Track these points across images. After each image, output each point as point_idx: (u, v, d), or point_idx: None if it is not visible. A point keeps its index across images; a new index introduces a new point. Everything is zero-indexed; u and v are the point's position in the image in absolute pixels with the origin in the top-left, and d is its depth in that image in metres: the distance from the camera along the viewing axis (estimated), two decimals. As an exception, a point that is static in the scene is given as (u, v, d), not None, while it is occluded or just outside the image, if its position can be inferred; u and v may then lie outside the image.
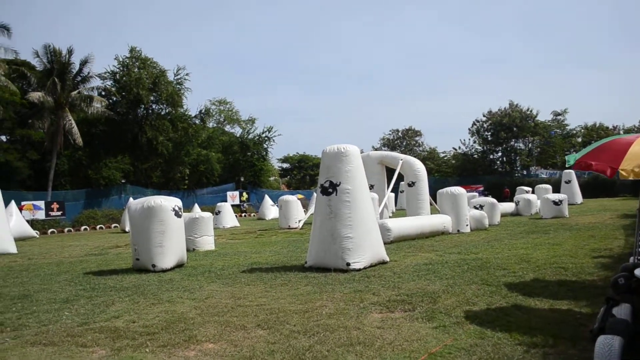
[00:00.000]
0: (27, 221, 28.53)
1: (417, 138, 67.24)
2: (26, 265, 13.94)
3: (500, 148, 55.76)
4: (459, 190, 17.65)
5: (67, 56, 38.04)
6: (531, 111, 54.14)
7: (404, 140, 66.62)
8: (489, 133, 55.38)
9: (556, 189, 31.72)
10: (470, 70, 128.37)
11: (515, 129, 53.20)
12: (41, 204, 33.54)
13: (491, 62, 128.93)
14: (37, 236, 28.09)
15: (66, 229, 33.10)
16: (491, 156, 56.86)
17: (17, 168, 36.99)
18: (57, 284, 10.19)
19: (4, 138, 40.30)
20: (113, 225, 35.12)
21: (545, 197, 22.80)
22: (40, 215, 32.95)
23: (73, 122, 37.14)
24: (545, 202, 22.39)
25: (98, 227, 34.92)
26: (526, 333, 5.21)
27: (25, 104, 36.49)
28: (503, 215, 22.56)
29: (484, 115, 56.12)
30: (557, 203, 21.96)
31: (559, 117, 58.59)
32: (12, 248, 18.31)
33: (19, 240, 22.08)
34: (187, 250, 12.64)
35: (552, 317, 5.86)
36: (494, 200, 20.74)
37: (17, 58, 37.90)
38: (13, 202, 26.50)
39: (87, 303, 7.95)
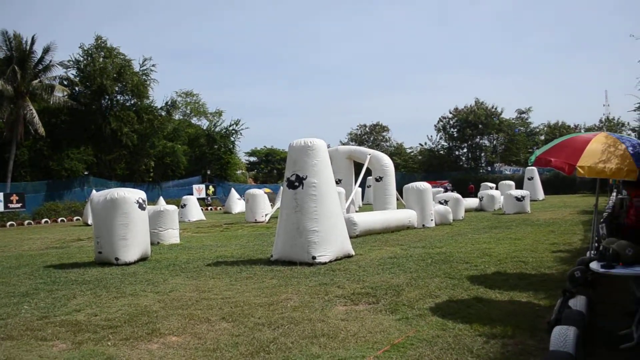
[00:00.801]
0: (-15, 213, 27.73)
1: (384, 133, 67.66)
2: (-17, 258, 13.56)
3: (465, 144, 56.57)
4: (424, 185, 17.88)
5: (29, 44, 36.99)
6: (496, 109, 55.12)
7: (372, 136, 66.94)
8: (455, 130, 56.13)
9: (519, 186, 32.39)
10: (437, 67, 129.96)
11: (480, 126, 54.06)
12: (0, 195, 32.58)
13: (458, 59, 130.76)
14: (-5, 229, 27.31)
15: (26, 222, 32.28)
16: (457, 152, 57.66)
17: (-26, 158, 35.84)
18: (16, 277, 9.95)
19: (-40, 127, 38.98)
20: (75, 218, 34.43)
21: (508, 193, 23.29)
22: (-1, 207, 32.03)
23: (34, 111, 36.15)
24: (508, 198, 22.87)
25: (59, 219, 34.15)
26: (486, 324, 5.33)
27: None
28: (467, 210, 22.95)
29: (450, 112, 56.89)
30: (519, 199, 22.45)
31: (523, 115, 59.80)
32: (-31, 241, 17.78)
33: (-24, 232, 21.45)
34: (152, 243, 12.51)
35: (512, 309, 6.01)
36: (459, 196, 21.08)
37: (-26, 45, 36.68)
38: (-30, 194, 25.71)
39: (47, 297, 7.79)
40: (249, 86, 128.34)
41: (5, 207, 32.44)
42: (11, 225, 30.81)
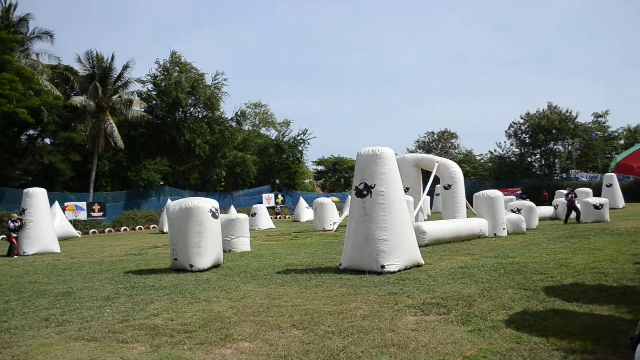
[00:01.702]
0: (70, 221, 29.47)
1: (453, 140, 66.42)
2: (69, 264, 14.40)
3: (538, 150, 54.58)
4: (495, 193, 17.41)
5: (109, 61, 39.15)
6: (570, 113, 52.87)
7: (440, 143, 65.88)
8: (527, 135, 54.30)
9: (597, 193, 30.95)
10: (507, 72, 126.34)
11: (554, 131, 51.99)
12: (83, 204, 34.54)
13: (529, 63, 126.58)
14: (79, 236, 28.94)
15: (107, 229, 33.99)
16: (529, 159, 55.72)
17: (60, 170, 38.20)
18: (98, 282, 10.50)
19: (48, 141, 41.68)
20: (152, 226, 35.87)
21: (585, 201, 22.25)
22: (83, 215, 33.93)
23: (114, 125, 38.17)
24: (585, 206, 21.86)
25: (137, 227, 35.72)
26: (564, 338, 5.12)
27: (68, 108, 37.65)
28: (541, 219, 22.12)
29: (521, 117, 55.10)
30: (597, 207, 21.41)
31: (600, 119, 56.97)
32: (56, 247, 18.95)
33: (62, 239, 22.81)
34: (224, 251, 12.84)
35: (591, 323, 5.74)
36: (532, 204, 20.36)
37: (60, 64, 39.21)
38: (57, 203, 27.40)
39: (127, 301, 8.18)
40: (316, 95, 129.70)
41: (88, 215, 34.33)
42: (93, 232, 32.52)
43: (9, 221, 18.34)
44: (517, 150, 55.86)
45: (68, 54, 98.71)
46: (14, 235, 18.05)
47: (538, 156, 55.41)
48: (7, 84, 28.95)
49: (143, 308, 7.55)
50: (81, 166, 40.10)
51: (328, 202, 25.67)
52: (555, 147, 54.17)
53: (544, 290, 7.53)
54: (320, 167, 77.70)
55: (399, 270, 9.79)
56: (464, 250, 13.17)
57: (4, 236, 25.25)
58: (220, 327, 6.15)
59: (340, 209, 29.93)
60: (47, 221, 19.28)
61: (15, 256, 17.60)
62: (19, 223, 18.14)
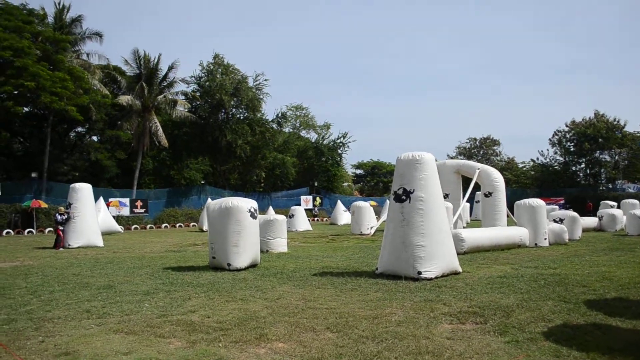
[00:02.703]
0: (113, 217, 30.31)
1: (495, 147, 65.35)
2: (111, 258, 14.80)
3: (583, 160, 53.12)
4: (537, 202, 17.02)
5: (156, 62, 40.11)
6: (618, 121, 51.26)
7: (481, 149, 64.90)
8: (572, 144, 52.92)
9: (645, 205, 29.87)
10: (553, 78, 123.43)
11: (600, 139, 50.51)
12: (126, 201, 35.46)
13: (577, 69, 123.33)
14: (122, 231, 29.70)
15: (148, 226, 34.80)
16: (573, 168, 54.28)
17: (106, 166, 39.32)
18: (138, 277, 10.76)
19: (95, 138, 42.98)
20: (192, 224, 36.51)
21: (631, 213, 21.52)
22: (125, 211, 34.84)
23: (158, 124, 39.09)
24: (631, 218, 21.15)
25: (178, 225, 36.42)
26: (605, 354, 4.97)
27: (115, 107, 38.75)
28: (585, 230, 21.52)
29: (566, 125, 53.76)
30: (645, 220, 20.69)
31: (650, 128, 55.03)
32: (99, 241, 19.51)
33: (106, 234, 23.44)
34: (261, 251, 12.96)
35: (635, 339, 5.56)
36: (575, 214, 19.82)
37: (109, 64, 40.40)
38: (101, 199, 28.22)
39: (165, 296, 8.35)
40: (357, 99, 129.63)
41: (131, 211, 35.22)
42: (135, 228, 33.33)
43: (57, 214, 19.01)
44: (561, 158, 54.58)
45: (116, 55, 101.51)
46: (61, 228, 18.69)
47: (583, 165, 53.96)
48: (59, 82, 30.03)
49: (181, 304, 7.70)
50: (126, 163, 41.19)
51: (366, 206, 25.59)
52: (601, 156, 52.63)
53: (586, 303, 7.32)
54: (359, 171, 77.61)
55: (436, 277, 9.69)
56: (503, 259, 12.93)
57: (52, 228, 26.18)
58: (255, 327, 6.21)
59: (378, 213, 29.80)
60: (92, 216, 19.88)
61: (61, 248, 18.21)
62: (66, 216, 18.76)
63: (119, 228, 29.41)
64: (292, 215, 29.33)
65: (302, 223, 29.59)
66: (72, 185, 20.02)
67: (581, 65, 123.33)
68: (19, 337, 5.96)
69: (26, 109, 34.03)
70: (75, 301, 8.09)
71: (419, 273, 9.56)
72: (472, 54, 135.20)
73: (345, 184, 66.33)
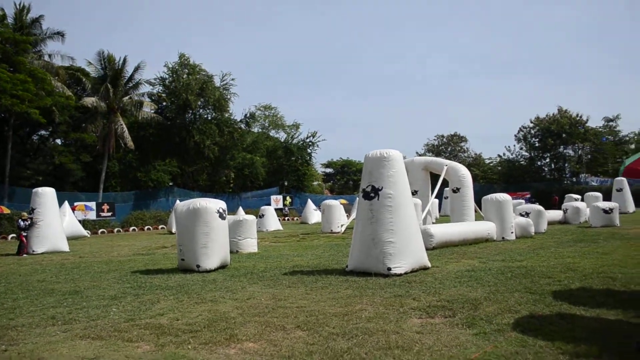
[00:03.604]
0: (79, 221, 29.65)
1: (462, 144, 66.32)
2: (77, 263, 14.49)
3: (548, 155, 54.37)
4: (504, 197, 17.32)
5: (121, 63, 39.45)
6: (581, 117, 52.62)
7: (449, 146, 65.79)
8: (537, 139, 54.11)
9: (607, 197, 30.75)
10: (517, 76, 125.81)
11: (564, 135, 51.79)
12: (93, 204, 34.76)
13: (540, 67, 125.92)
14: (88, 236, 29.11)
15: (115, 230, 34.17)
16: (539, 163, 55.49)
17: (70, 170, 38.50)
18: (106, 281, 10.56)
19: (59, 141, 42.04)
20: (160, 226, 36.01)
21: (595, 205, 22.11)
22: (92, 215, 34.14)
23: (124, 126, 38.44)
24: (594, 211, 21.72)
25: (146, 228, 35.88)
26: (570, 342, 5.08)
27: (79, 109, 37.96)
28: (550, 223, 21.99)
29: (531, 122, 54.93)
30: (607, 211, 21.26)
31: (610, 124, 56.63)
32: (65, 246, 19.09)
33: (71, 239, 22.92)
34: (231, 252, 12.87)
35: (598, 327, 5.70)
36: (541, 208, 20.25)
37: (73, 65, 39.56)
38: (66, 203, 27.59)
39: (133, 300, 8.22)
40: (325, 98, 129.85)
41: (98, 215, 34.54)
42: (102, 232, 32.70)
43: (19, 220, 18.51)
44: (526, 154, 55.74)
45: (80, 55, 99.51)
46: (24, 233, 18.20)
47: (548, 160, 55.27)
48: (19, 84, 29.24)
49: (149, 307, 7.58)
50: (91, 166, 40.40)
51: (336, 205, 25.64)
52: (565, 151, 53.97)
53: (551, 294, 7.49)
54: (328, 170, 77.84)
55: (406, 273, 9.76)
56: (471, 254, 13.12)
57: (15, 235, 25.50)
58: (225, 328, 6.16)
59: (348, 211, 29.90)
60: (56, 220, 19.43)
61: (25, 255, 17.74)
62: (29, 222, 18.29)
63: (85, 232, 28.80)
64: (262, 215, 29.21)
65: (273, 223, 29.49)
66: (35, 189, 19.50)
67: (545, 62, 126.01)
68: (-19, 346, 5.78)
69: (-15, 113, 33.12)
70: (40, 308, 7.89)
71: (389, 269, 9.62)
72: (440, 53, 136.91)
73: (315, 183, 66.39)
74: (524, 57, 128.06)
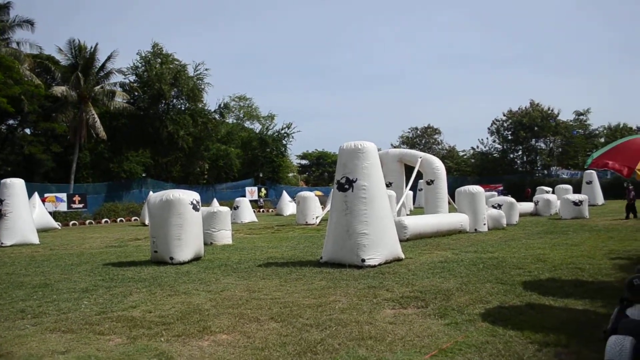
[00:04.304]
0: (50, 213, 29.08)
1: (436, 136, 66.80)
2: (48, 256, 14.23)
3: (520, 147, 55.18)
4: (476, 189, 17.55)
5: (92, 51, 38.65)
6: (552, 110, 53.48)
7: (423, 139, 66.21)
8: (509, 132, 54.84)
9: (577, 190, 31.37)
10: (491, 69, 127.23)
11: (536, 128, 52.59)
12: (63, 196, 34.10)
13: (513, 60, 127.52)
14: (59, 228, 28.58)
15: (87, 221, 33.65)
16: (511, 155, 56.30)
17: (40, 160, 37.68)
18: (77, 274, 10.40)
19: (28, 131, 41.10)
20: (133, 218, 35.59)
21: (565, 198, 22.57)
22: (63, 207, 33.51)
23: (96, 116, 37.70)
24: (565, 203, 22.16)
25: (119, 219, 35.41)
26: (539, 332, 5.19)
27: (49, 98, 37.13)
28: (522, 215, 22.38)
29: (503, 115, 55.62)
30: (577, 204, 21.72)
31: (581, 117, 57.69)
32: (35, 239, 18.72)
33: (42, 231, 22.48)
34: (205, 244, 12.79)
35: (567, 317, 5.83)
36: (513, 200, 20.57)
37: (42, 53, 38.60)
38: (36, 194, 27.00)
39: (105, 293, 8.12)
40: (300, 90, 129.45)
41: (69, 207, 33.92)
42: (74, 224, 32.16)
43: (-13, 212, 18.07)
44: (499, 146, 56.45)
45: (49, 43, 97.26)
46: (-8, 226, 17.79)
47: (520, 153, 56.05)
48: (-14, 72, 28.47)
49: (121, 300, 7.50)
50: (62, 157, 39.56)
51: (311, 196, 25.66)
52: (537, 144, 54.81)
53: (521, 284, 7.64)
54: (304, 161, 77.77)
55: (379, 264, 9.84)
56: (444, 245, 13.28)
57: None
58: (198, 320, 6.13)
59: (323, 203, 29.95)
60: (26, 212, 19.03)
61: (-7, 247, 17.36)
62: (-3, 214, 17.87)
63: (56, 224, 28.26)
64: (237, 206, 29.06)
65: (247, 214, 29.37)
66: (3, 180, 19.03)
67: (517, 56, 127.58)
68: (-54, 341, 5.65)
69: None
70: (8, 301, 7.73)
71: (363, 260, 9.68)
72: (415, 46, 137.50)
73: (290, 175, 66.27)
74: (499, 50, 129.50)
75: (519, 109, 54.81)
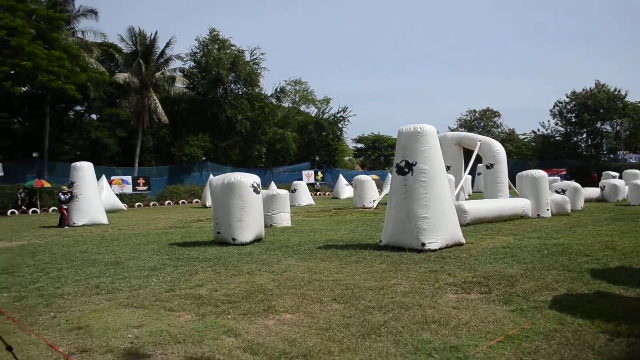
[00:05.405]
0: (117, 195, 30.31)
1: (495, 119, 65.09)
2: (116, 235, 14.89)
3: (584, 130, 52.88)
4: (540, 173, 17.03)
5: (152, 39, 39.73)
6: (619, 91, 50.88)
7: (482, 121, 64.65)
8: (573, 115, 52.62)
9: (647, 175, 29.88)
10: (554, 49, 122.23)
11: (601, 110, 50.22)
12: (129, 179, 35.50)
13: (578, 39, 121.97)
14: (125, 209, 29.77)
15: (152, 203, 34.90)
16: (575, 139, 54.07)
17: (106, 145, 39.27)
18: (145, 253, 10.85)
19: (94, 117, 42.82)
20: (194, 200, 36.59)
21: (634, 183, 21.57)
22: (128, 189, 34.90)
23: (157, 101, 38.86)
24: (634, 188, 21.20)
25: (180, 201, 36.51)
26: (610, 321, 5.01)
27: (113, 85, 38.49)
28: (587, 200, 21.58)
29: (567, 96, 53.38)
30: (647, 189, 20.73)
31: (651, 98, 54.69)
32: (104, 219, 19.61)
33: (109, 212, 23.47)
34: (265, 226, 13.02)
35: (638, 306, 5.61)
36: (578, 185, 19.85)
37: (106, 41, 40.00)
38: (104, 177, 28.23)
39: (173, 271, 8.44)
40: (356, 73, 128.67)
41: (134, 189, 35.29)
42: (139, 205, 33.43)
43: (60, 194, 19.09)
44: (562, 129, 54.33)
45: (112, 32, 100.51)
46: (65, 207, 18.77)
47: (584, 136, 53.76)
48: (55, 61, 29.74)
49: (188, 279, 7.78)
50: (126, 142, 41.09)
51: (368, 180, 25.63)
52: (602, 127, 52.40)
53: (589, 272, 7.39)
54: (359, 145, 77.48)
55: (440, 249, 9.76)
56: (506, 230, 13.00)
57: (55, 207, 26.29)
58: (262, 299, 6.29)
59: (380, 186, 29.85)
60: (95, 194, 19.93)
61: (66, 227, 18.31)
62: (69, 195, 18.82)
63: (122, 206, 29.45)
64: (295, 189, 29.39)
65: (305, 197, 29.67)
66: (74, 164, 20.02)
67: (582, 35, 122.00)
68: (31, 313, 6.03)
69: (24, 89, 33.80)
70: (83, 277, 8.17)
71: (423, 244, 9.63)
72: (474, 26, 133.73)
73: (346, 158, 66.27)
74: (561, 29, 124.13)
75: (583, 90, 52.53)
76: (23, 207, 29.51)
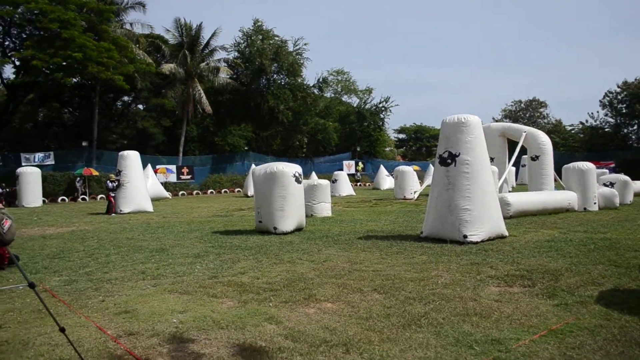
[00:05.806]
0: (161, 183, 31.07)
1: (541, 110, 63.42)
2: (161, 223, 15.28)
3: (636, 122, 50.91)
4: (587, 165, 16.54)
5: (197, 30, 40.33)
6: (673, 81, 48.75)
7: (527, 112, 63.12)
8: (624, 105, 50.70)
9: (703, 168, 28.65)
10: (601, 37, 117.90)
11: (655, 100, 48.25)
12: (173, 168, 36.28)
13: (629, 27, 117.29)
14: (170, 197, 30.49)
15: (195, 192, 35.57)
16: (625, 130, 52.12)
17: (152, 134, 40.21)
18: (188, 240, 11.11)
19: (141, 107, 43.86)
20: (237, 189, 37.12)
21: (688, 177, 20.72)
22: (173, 178, 35.70)
23: (202, 91, 39.49)
24: (687, 183, 20.36)
25: (223, 191, 37.10)
26: (659, 318, 4.89)
27: (159, 75, 39.31)
28: (637, 194, 20.85)
29: (618, 86, 51.47)
30: (702, 184, 19.88)
31: None
32: (149, 207, 20.13)
33: (154, 200, 24.08)
34: (306, 215, 13.11)
35: (689, 304, 5.43)
36: (627, 178, 19.19)
37: (152, 32, 40.85)
38: (149, 166, 28.97)
39: (215, 259, 8.62)
40: (399, 63, 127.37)
41: (178, 178, 36.06)
42: (182, 194, 34.15)
43: (108, 181, 19.68)
44: (612, 120, 52.47)
45: (158, 23, 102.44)
46: (112, 194, 19.35)
47: (635, 128, 51.77)
48: (104, 52, 30.59)
49: (230, 266, 7.94)
50: (171, 131, 41.97)
51: (409, 171, 25.45)
52: (656, 118, 50.35)
53: (638, 268, 7.17)
54: (401, 136, 76.88)
55: (482, 241, 9.63)
56: (550, 224, 12.71)
57: (103, 195, 27.13)
58: (303, 288, 6.37)
59: (421, 178, 29.60)
60: (141, 182, 20.47)
61: (113, 214, 18.89)
62: (117, 183, 19.39)
63: (167, 194, 30.17)
64: (335, 180, 29.46)
65: (345, 188, 29.72)
66: (121, 153, 20.60)
67: (635, 23, 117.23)
68: (81, 296, 6.28)
69: (75, 80, 34.90)
70: (130, 263, 8.44)
71: (465, 237, 9.53)
72: (518, 15, 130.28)
73: (387, 149, 65.89)
74: (614, 17, 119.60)
75: (635, 79, 50.54)
76: (79, 196, 30.52)
